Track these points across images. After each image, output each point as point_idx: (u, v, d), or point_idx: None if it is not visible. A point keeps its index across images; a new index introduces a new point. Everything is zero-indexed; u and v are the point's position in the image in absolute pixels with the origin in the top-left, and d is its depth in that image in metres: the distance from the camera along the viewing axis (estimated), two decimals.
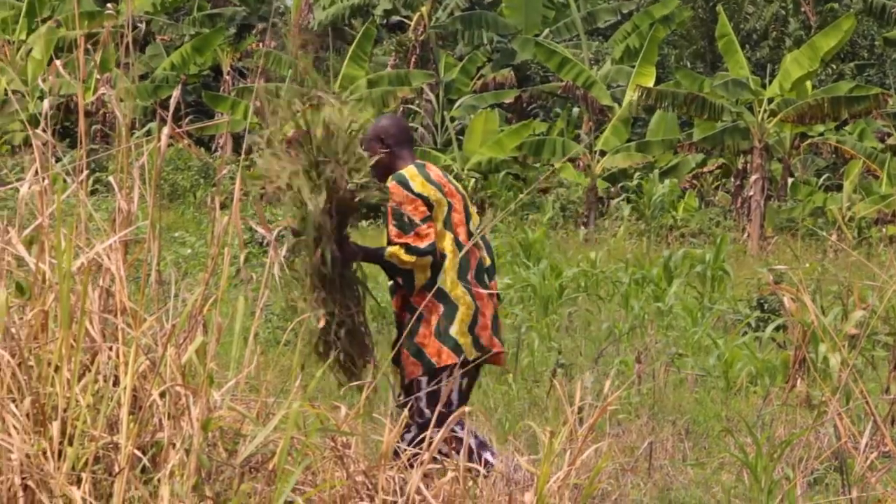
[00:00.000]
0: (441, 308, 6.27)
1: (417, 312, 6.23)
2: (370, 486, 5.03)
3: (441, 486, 5.12)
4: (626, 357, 10.85)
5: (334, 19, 33.87)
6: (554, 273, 15.21)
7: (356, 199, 6.08)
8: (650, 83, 27.91)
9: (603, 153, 28.70)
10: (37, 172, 4.94)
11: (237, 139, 28.36)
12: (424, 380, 6.28)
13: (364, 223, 22.21)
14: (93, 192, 17.11)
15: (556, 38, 32.77)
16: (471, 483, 5.25)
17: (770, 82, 26.62)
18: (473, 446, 6.02)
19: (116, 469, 4.48)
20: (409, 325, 6.24)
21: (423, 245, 6.23)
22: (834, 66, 36.12)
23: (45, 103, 5.13)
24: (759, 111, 26.37)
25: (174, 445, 4.55)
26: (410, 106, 31.94)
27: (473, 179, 28.04)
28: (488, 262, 6.48)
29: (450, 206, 6.36)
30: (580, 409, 5.80)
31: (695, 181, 31.50)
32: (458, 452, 5.19)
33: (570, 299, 14.76)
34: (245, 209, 7.67)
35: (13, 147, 26.46)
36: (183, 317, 4.79)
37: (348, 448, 5.05)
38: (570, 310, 14.13)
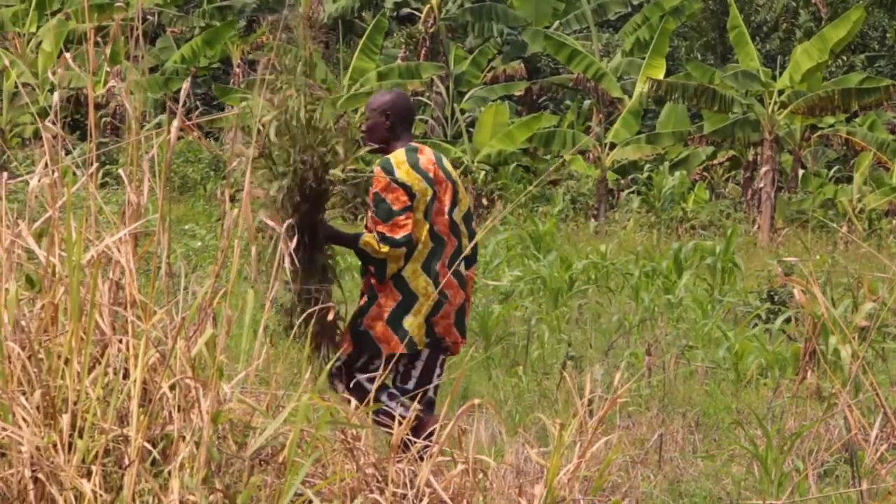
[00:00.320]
0: (399, 297, 6.29)
1: (373, 294, 6.30)
2: (380, 479, 5.04)
3: (451, 478, 5.12)
4: (636, 349, 10.84)
5: (344, 12, 33.86)
6: (564, 265, 15.20)
7: (326, 189, 6.15)
8: (660, 75, 27.84)
9: (613, 145, 28.65)
10: (47, 165, 4.94)
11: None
12: (364, 358, 6.34)
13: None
14: (103, 185, 17.11)
15: (566, 30, 32.69)
16: (481, 475, 5.26)
17: (780, 74, 26.55)
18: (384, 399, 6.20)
19: (126, 462, 4.48)
20: (361, 304, 6.33)
21: (398, 236, 6.23)
22: (844, 58, 36.02)
23: (55, 96, 5.13)
24: (770, 103, 26.31)
25: (184, 438, 4.55)
26: (421, 98, 31.90)
27: (483, 172, 28.00)
28: (468, 250, 6.46)
29: (434, 194, 6.34)
30: (590, 402, 5.80)
31: (705, 173, 31.43)
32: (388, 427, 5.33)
33: (581, 291, 14.75)
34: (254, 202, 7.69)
35: (23, 140, 26.52)
36: (193, 309, 4.79)
37: (358, 440, 5.05)
38: (580, 302, 14.12)
